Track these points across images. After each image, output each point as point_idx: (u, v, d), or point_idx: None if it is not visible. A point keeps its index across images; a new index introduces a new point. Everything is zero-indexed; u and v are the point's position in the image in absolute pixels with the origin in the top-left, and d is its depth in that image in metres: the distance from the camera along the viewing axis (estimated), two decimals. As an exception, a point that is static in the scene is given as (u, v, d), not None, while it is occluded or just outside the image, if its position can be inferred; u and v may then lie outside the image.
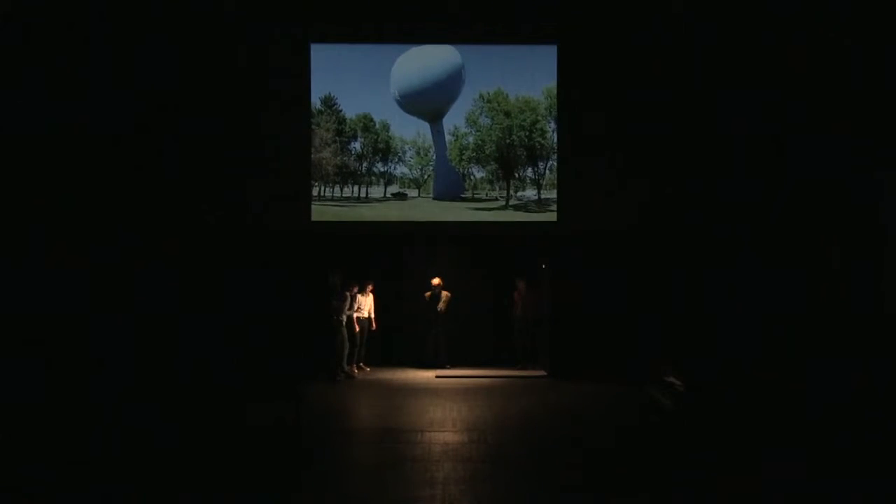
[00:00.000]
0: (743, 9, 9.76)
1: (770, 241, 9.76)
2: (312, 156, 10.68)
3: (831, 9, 8.83)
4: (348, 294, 10.22)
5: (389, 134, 10.85)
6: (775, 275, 9.54)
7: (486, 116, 10.84)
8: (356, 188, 10.86)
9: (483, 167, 10.95)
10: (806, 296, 9.16)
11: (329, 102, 10.72)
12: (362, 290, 10.62)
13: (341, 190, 10.83)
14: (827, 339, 8.36)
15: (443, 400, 8.74)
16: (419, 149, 10.88)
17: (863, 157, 8.66)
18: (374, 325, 10.68)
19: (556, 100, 10.71)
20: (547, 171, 10.77)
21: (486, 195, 10.91)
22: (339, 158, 10.77)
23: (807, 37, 9.15)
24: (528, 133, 10.78)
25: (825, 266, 9.14)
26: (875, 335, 8.06)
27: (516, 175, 10.89)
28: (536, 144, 10.80)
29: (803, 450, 6.17)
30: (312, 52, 10.52)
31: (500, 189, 10.92)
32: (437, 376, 10.42)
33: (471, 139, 10.86)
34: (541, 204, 10.79)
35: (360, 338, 10.63)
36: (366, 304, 10.62)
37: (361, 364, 10.75)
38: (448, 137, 10.80)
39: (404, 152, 10.89)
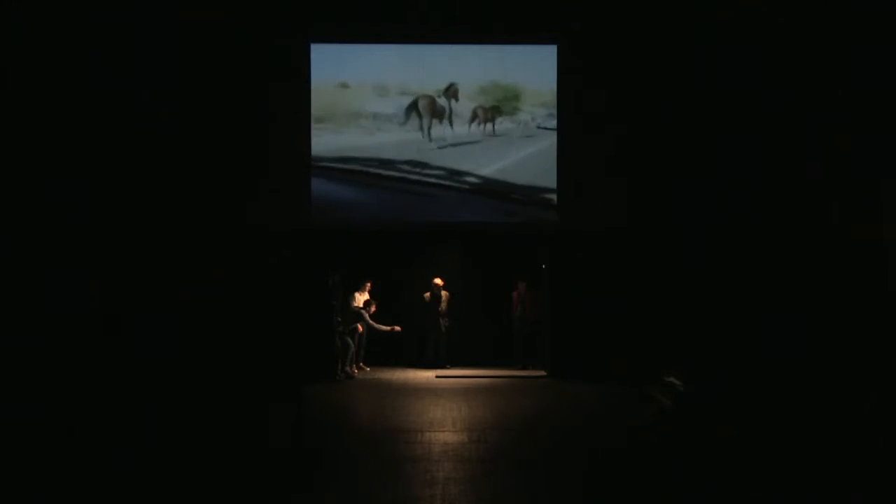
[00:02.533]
0: (745, 4, 9.75)
1: (770, 241, 9.74)
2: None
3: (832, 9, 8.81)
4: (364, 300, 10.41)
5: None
6: (775, 275, 9.53)
7: None
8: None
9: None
10: (804, 296, 9.15)
11: None
12: (361, 289, 10.64)
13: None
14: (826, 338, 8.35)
15: (443, 400, 8.74)
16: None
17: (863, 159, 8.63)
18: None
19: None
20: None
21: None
22: None
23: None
24: None
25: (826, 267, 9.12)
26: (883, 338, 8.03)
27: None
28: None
29: (803, 451, 6.17)
30: (313, 52, 10.50)
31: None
32: (437, 376, 10.43)
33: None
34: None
35: (360, 338, 10.64)
36: (363, 303, 10.63)
37: (361, 364, 10.76)
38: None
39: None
